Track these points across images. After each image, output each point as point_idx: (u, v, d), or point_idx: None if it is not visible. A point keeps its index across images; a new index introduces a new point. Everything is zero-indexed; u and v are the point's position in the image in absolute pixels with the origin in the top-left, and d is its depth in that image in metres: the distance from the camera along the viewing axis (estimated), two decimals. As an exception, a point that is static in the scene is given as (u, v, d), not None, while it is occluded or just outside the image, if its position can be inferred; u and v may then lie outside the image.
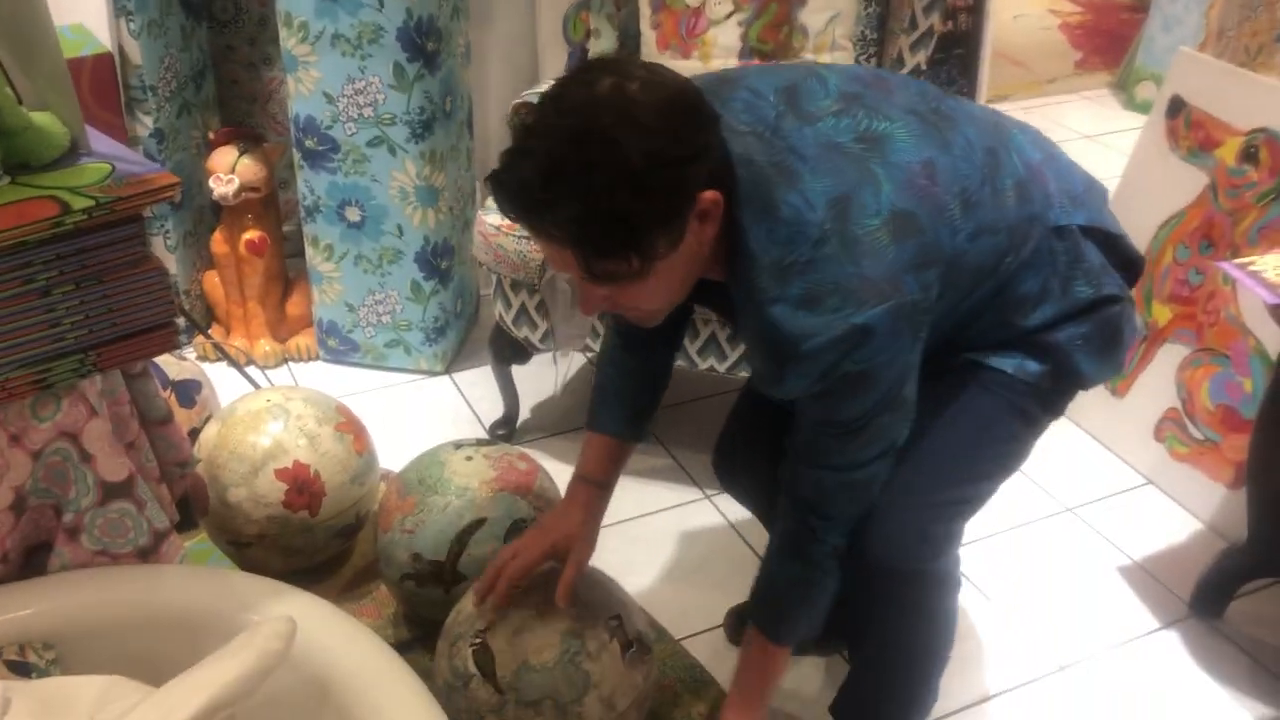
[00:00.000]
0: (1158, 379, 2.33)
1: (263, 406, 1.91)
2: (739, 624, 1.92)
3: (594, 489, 1.51)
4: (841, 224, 1.14)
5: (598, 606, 1.53)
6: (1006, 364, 1.36)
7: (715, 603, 1.94)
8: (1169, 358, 2.31)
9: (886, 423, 1.23)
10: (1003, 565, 2.09)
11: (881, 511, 1.32)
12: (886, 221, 1.16)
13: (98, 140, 1.25)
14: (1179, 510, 2.26)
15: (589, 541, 1.49)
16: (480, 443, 1.89)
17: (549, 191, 1.05)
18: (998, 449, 1.41)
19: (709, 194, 1.11)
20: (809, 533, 1.32)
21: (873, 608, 1.39)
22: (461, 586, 1.74)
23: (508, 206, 1.11)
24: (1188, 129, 2.29)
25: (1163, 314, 2.33)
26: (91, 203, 1.14)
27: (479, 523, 1.75)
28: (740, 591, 1.94)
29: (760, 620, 1.44)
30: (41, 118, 1.18)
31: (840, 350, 1.14)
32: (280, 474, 1.85)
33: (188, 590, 1.26)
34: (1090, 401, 2.45)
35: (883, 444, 1.25)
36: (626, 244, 1.07)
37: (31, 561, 1.28)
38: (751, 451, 1.67)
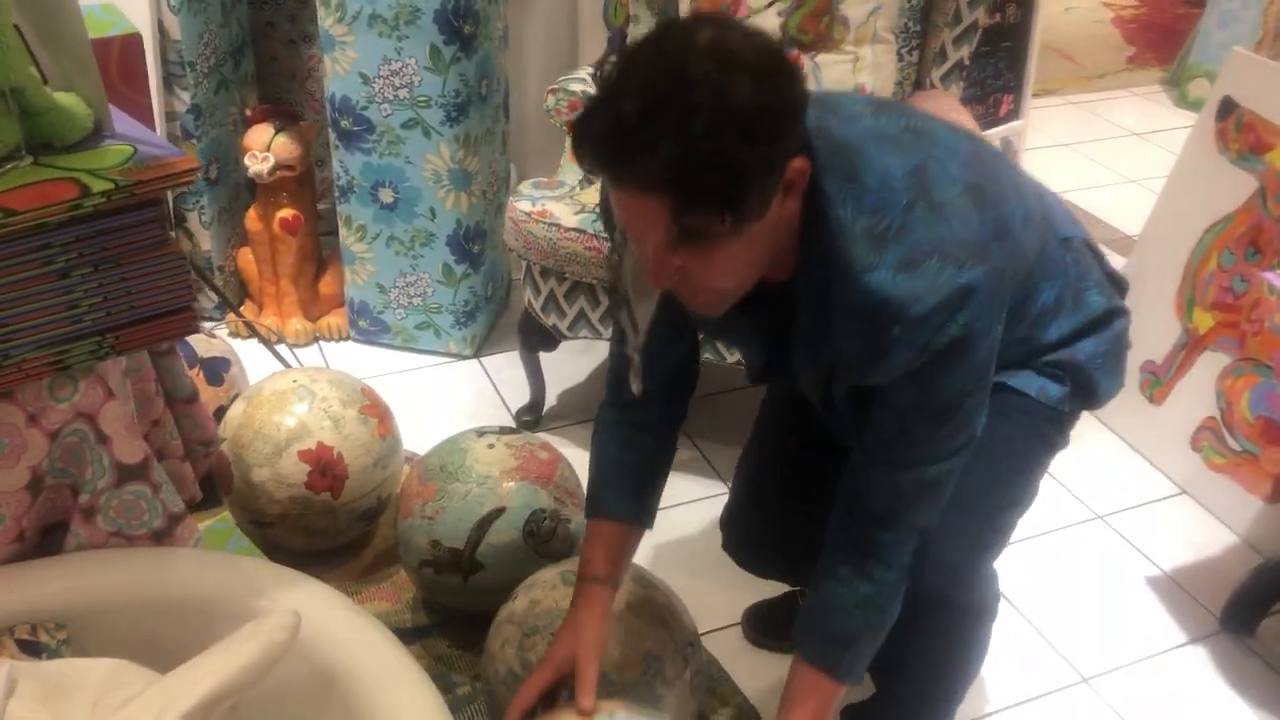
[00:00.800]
0: (1196, 387, 2.28)
1: (289, 387, 1.92)
2: (756, 623, 1.90)
3: (603, 589, 1.38)
4: (924, 191, 1.12)
5: (676, 629, 1.51)
6: (1030, 386, 1.36)
7: (733, 600, 1.93)
8: (1209, 366, 2.26)
9: (972, 406, 1.18)
10: (1030, 572, 2.06)
11: (923, 541, 1.30)
12: (964, 190, 1.14)
13: (122, 121, 1.25)
14: (1213, 522, 2.21)
15: (603, 640, 1.36)
16: (503, 431, 1.88)
17: (648, 130, 0.98)
18: (1025, 476, 1.41)
19: (797, 163, 1.06)
20: (874, 551, 1.25)
21: (909, 635, 1.35)
22: (480, 575, 1.74)
23: (595, 150, 1.03)
24: (1238, 131, 2.23)
25: (1204, 321, 2.28)
26: (111, 185, 1.13)
27: (498, 512, 1.74)
28: (759, 589, 1.92)
29: (817, 654, 1.29)
30: (66, 99, 1.18)
31: (945, 313, 1.09)
32: (304, 455, 1.85)
33: (200, 574, 1.27)
34: (1126, 407, 2.40)
35: (966, 433, 1.20)
36: (724, 194, 1.01)
37: (48, 540, 1.29)
38: (766, 527, 1.65)
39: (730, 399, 2.45)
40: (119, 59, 1.33)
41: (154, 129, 1.47)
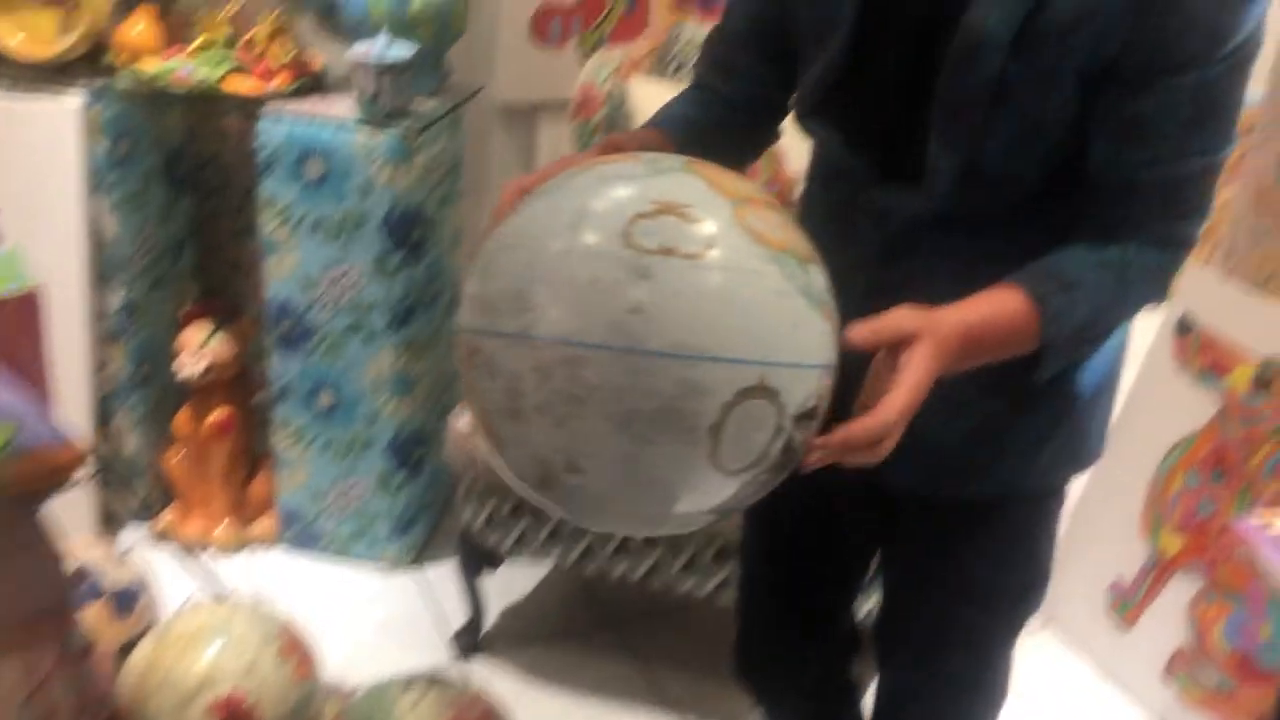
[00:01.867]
0: (1168, 612, 2.18)
1: (201, 624, 1.77)
2: None
3: (655, 131, 1.16)
4: None
5: None
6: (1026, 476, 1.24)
7: None
8: (1180, 590, 2.17)
9: (1256, 44, 1.00)
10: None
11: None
12: None
13: (7, 389, 1.14)
14: (1194, 764, 2.09)
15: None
16: (431, 681, 1.73)
17: None
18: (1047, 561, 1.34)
19: None
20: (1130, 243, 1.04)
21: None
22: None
23: None
24: (1197, 350, 2.19)
25: (1172, 544, 2.19)
26: (-20, 483, 1.03)
27: (424, 778, 1.59)
28: None
29: (1026, 279, 1.03)
30: (-57, 376, 1.08)
31: None
32: (214, 706, 1.69)
33: None
34: (1098, 629, 2.30)
35: (1243, 88, 1.01)
36: None
37: None
38: (785, 646, 1.51)
39: (686, 617, 2.32)
40: (13, 320, 1.25)
41: (45, 388, 1.37)
